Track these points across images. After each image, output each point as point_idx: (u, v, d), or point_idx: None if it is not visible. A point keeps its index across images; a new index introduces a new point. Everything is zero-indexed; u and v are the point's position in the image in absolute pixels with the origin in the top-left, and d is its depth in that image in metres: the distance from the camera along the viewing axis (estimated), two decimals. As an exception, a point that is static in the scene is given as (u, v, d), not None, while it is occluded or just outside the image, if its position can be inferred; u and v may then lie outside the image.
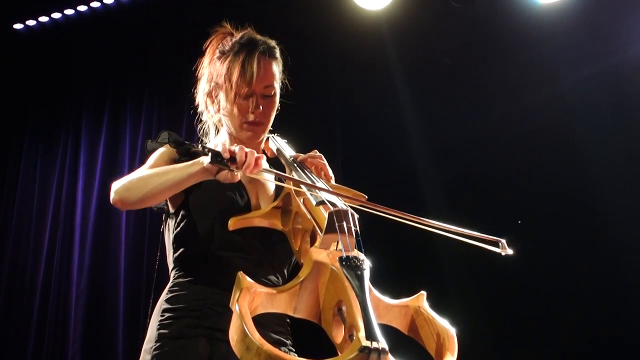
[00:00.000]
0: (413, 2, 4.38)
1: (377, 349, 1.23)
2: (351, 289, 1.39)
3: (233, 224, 1.84)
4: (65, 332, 4.79)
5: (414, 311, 1.54)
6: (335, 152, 4.47)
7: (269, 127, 2.05)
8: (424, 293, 1.57)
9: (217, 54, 2.02)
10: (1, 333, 4.94)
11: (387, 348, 1.25)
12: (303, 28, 4.45)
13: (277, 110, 2.06)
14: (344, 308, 1.41)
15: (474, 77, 4.46)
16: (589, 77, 4.18)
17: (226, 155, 1.63)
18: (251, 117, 1.96)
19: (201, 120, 2.14)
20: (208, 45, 2.07)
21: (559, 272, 4.08)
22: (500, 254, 1.69)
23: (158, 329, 1.82)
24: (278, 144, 2.11)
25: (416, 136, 4.54)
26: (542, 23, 4.21)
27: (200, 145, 1.61)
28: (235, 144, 1.66)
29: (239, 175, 1.69)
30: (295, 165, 1.94)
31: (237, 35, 2.03)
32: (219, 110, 2.03)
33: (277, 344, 1.85)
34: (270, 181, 1.99)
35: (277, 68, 2.02)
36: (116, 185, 1.84)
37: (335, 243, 1.54)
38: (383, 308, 1.52)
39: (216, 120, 2.09)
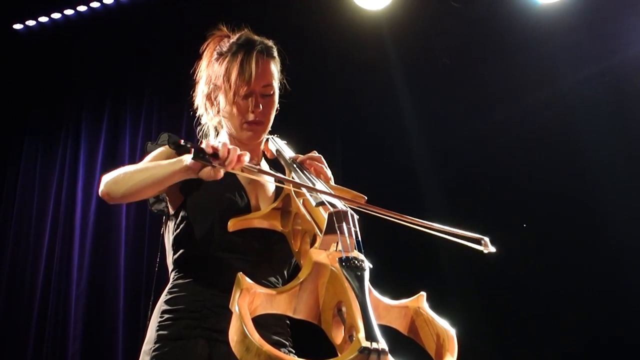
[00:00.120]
0: (413, 2, 4.38)
1: (376, 350, 1.23)
2: (351, 289, 1.39)
3: (233, 225, 1.84)
4: (65, 332, 4.79)
5: (413, 312, 1.55)
6: (335, 152, 4.47)
7: (269, 126, 2.05)
8: (423, 294, 1.57)
9: (215, 56, 2.03)
10: (1, 333, 4.94)
11: (386, 349, 1.25)
12: (303, 28, 4.45)
13: (276, 111, 2.06)
14: (343, 309, 1.41)
15: (474, 77, 4.46)
16: (589, 77, 4.18)
17: (209, 151, 1.62)
18: (251, 117, 1.96)
19: (200, 123, 2.14)
20: (205, 48, 2.07)
21: (559, 272, 4.07)
22: (482, 252, 1.72)
23: (157, 330, 1.82)
24: (278, 145, 2.11)
25: (416, 136, 4.54)
26: (542, 23, 4.20)
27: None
28: (221, 143, 1.66)
29: (222, 172, 1.68)
30: (295, 166, 1.94)
31: (235, 37, 2.03)
32: (218, 112, 2.03)
33: (277, 344, 1.85)
34: (270, 182, 1.99)
35: (275, 67, 2.03)
36: (106, 178, 1.85)
37: (335, 244, 1.54)
38: (383, 309, 1.53)
39: (216, 123, 2.08)
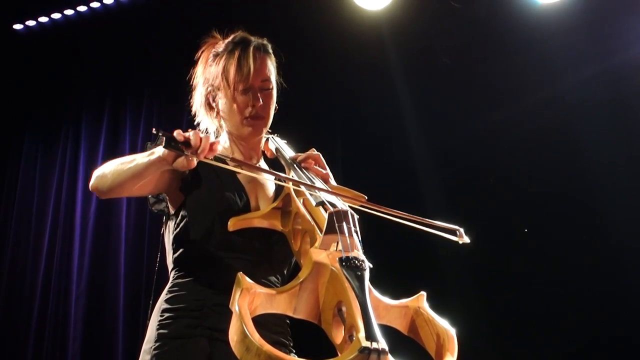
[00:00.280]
0: (413, 2, 4.38)
1: (377, 350, 1.23)
2: (351, 289, 1.39)
3: (233, 224, 1.83)
4: (65, 332, 4.79)
5: (413, 312, 1.54)
6: (335, 152, 4.47)
7: (270, 122, 2.04)
8: (423, 293, 1.57)
9: (211, 59, 2.04)
10: (1, 333, 4.94)
11: (387, 348, 1.25)
12: (303, 28, 4.45)
13: (275, 110, 2.06)
14: (343, 309, 1.41)
15: (474, 77, 4.46)
16: (589, 77, 4.18)
17: (180, 139, 1.62)
18: (252, 112, 1.96)
19: (200, 130, 2.13)
20: (200, 55, 2.08)
21: (559, 272, 4.08)
22: (457, 242, 1.75)
23: (157, 329, 1.82)
24: (277, 144, 2.11)
25: (416, 136, 4.54)
26: (542, 23, 4.21)
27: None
28: (192, 131, 1.65)
29: (195, 161, 1.68)
30: (295, 165, 1.94)
31: (229, 38, 2.04)
32: (218, 113, 2.03)
33: (277, 344, 1.85)
34: (269, 180, 1.99)
35: (272, 64, 2.04)
36: (96, 173, 1.86)
37: (335, 244, 1.54)
38: (383, 308, 1.52)
39: (216, 126, 2.08)
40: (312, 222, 1.68)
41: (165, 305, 1.85)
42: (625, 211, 4.04)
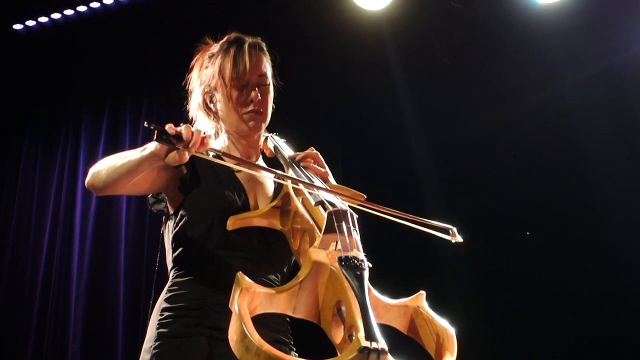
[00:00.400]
0: (413, 2, 4.38)
1: (376, 349, 1.23)
2: (350, 289, 1.38)
3: (232, 223, 1.83)
4: (65, 332, 4.79)
5: (413, 311, 1.54)
6: (335, 152, 4.47)
7: (268, 118, 2.04)
8: (423, 293, 1.57)
9: (206, 60, 2.05)
10: (1, 333, 4.94)
11: (386, 348, 1.25)
12: (303, 28, 4.45)
13: (273, 108, 2.06)
14: (343, 308, 1.41)
15: (474, 77, 4.46)
16: (589, 77, 4.18)
17: (171, 132, 1.61)
18: (250, 107, 1.97)
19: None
20: (195, 61, 2.09)
21: (559, 272, 4.07)
22: (450, 241, 1.74)
23: (157, 328, 1.82)
24: (276, 143, 2.11)
25: (416, 136, 4.54)
26: (542, 23, 4.21)
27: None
28: (184, 125, 1.65)
29: (187, 155, 1.67)
30: (294, 164, 1.94)
31: (224, 39, 2.04)
32: (216, 113, 2.03)
33: (277, 342, 1.85)
34: (268, 179, 1.99)
35: (267, 62, 2.04)
36: (92, 170, 1.87)
37: (335, 243, 1.54)
38: (382, 308, 1.52)
39: (216, 127, 2.08)
40: (312, 222, 1.68)
41: (165, 305, 1.85)
42: (625, 211, 4.04)
